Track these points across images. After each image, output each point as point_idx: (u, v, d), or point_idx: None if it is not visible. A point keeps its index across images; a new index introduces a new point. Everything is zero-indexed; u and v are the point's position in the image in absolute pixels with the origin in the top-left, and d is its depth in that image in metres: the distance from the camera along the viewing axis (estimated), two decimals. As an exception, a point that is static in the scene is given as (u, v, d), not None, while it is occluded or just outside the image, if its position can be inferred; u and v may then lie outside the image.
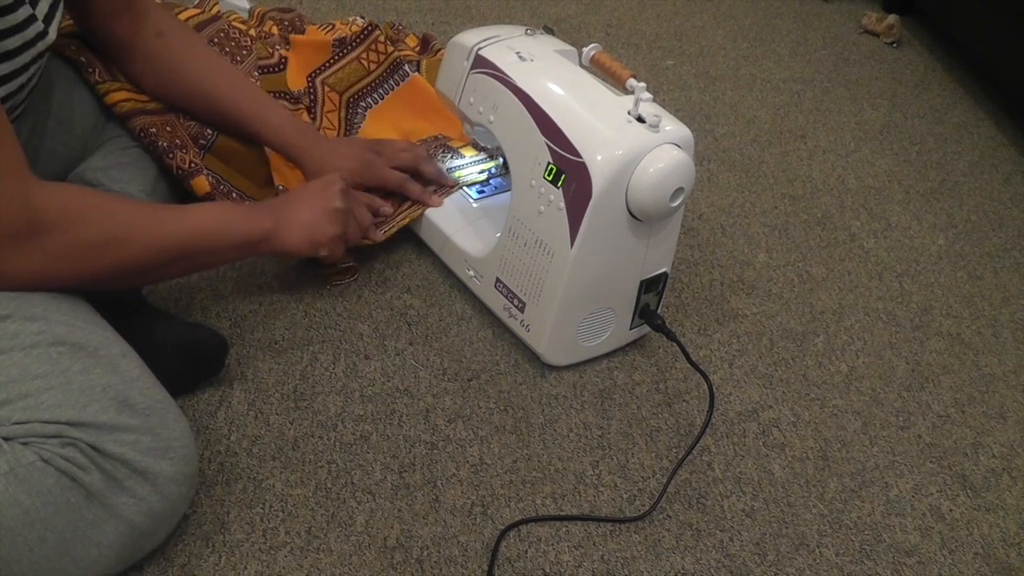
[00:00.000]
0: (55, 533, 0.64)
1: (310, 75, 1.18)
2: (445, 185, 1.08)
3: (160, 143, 0.95)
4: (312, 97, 1.17)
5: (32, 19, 0.71)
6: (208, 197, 0.97)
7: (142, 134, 0.95)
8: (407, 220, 1.05)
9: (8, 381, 0.66)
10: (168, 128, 0.96)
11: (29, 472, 0.63)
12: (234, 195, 1.02)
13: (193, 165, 0.97)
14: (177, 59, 0.96)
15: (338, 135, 1.17)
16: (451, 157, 1.12)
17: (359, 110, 1.19)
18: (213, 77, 0.99)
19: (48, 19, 0.74)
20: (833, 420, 0.96)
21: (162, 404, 0.71)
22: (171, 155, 0.95)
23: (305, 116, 1.14)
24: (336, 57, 1.19)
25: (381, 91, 1.20)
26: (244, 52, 1.15)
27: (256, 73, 1.15)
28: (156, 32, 0.94)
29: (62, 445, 0.65)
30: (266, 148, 1.07)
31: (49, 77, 0.91)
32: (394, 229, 1.04)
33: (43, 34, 0.73)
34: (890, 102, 1.59)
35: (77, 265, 0.73)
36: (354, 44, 1.19)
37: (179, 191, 0.99)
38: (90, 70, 0.94)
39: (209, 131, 1.01)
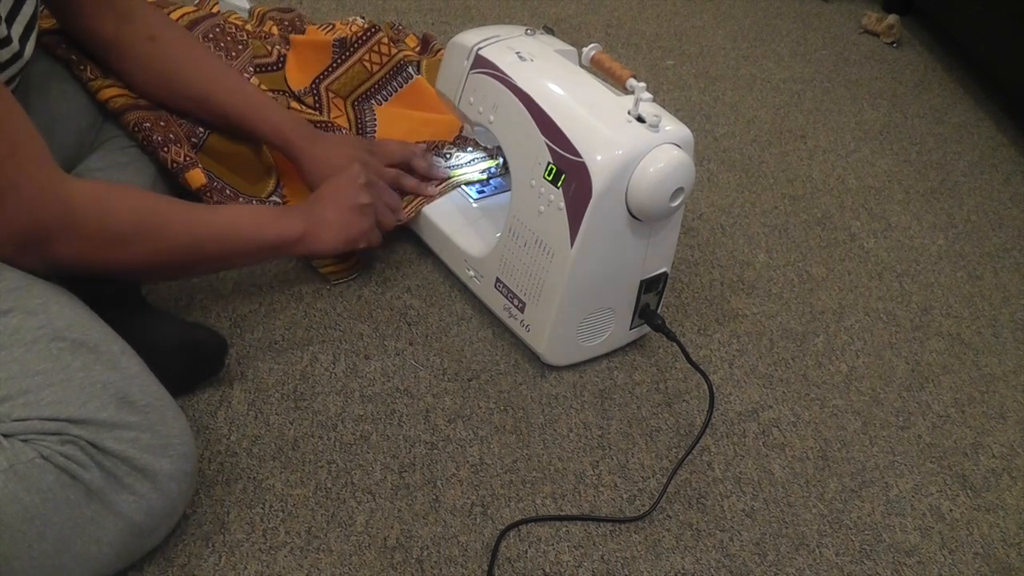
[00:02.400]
0: (54, 530, 0.64)
1: (314, 82, 1.18)
2: (436, 178, 1.08)
3: (154, 137, 0.95)
4: (317, 100, 1.17)
5: (7, 40, 0.71)
6: (203, 190, 0.97)
7: (136, 129, 0.95)
8: (421, 203, 1.06)
9: (8, 377, 0.66)
10: (162, 123, 0.96)
11: (29, 469, 0.63)
12: (227, 191, 1.03)
13: (188, 159, 0.97)
14: (170, 64, 0.96)
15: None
16: (452, 154, 1.12)
17: (366, 109, 1.19)
18: (207, 81, 0.98)
19: (24, 39, 0.74)
20: (833, 420, 0.96)
21: (161, 402, 0.71)
22: (165, 148, 0.95)
23: (309, 112, 1.14)
24: (338, 61, 1.19)
25: (384, 93, 1.20)
26: (240, 47, 1.15)
27: (251, 69, 1.15)
28: (148, 36, 0.94)
29: (62, 442, 0.65)
30: (267, 150, 1.08)
31: (43, 77, 0.91)
32: (415, 208, 1.05)
33: (19, 55, 0.73)
34: (890, 102, 1.59)
35: (114, 253, 0.76)
36: (356, 46, 1.19)
37: (179, 190, 0.99)
38: (81, 67, 0.94)
39: (201, 129, 1.01)
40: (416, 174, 1.08)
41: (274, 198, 1.08)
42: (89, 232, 0.73)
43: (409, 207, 1.05)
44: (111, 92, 0.95)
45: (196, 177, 0.97)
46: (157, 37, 0.94)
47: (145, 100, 0.97)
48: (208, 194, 0.98)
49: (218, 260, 0.87)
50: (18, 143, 0.68)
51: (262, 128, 1.01)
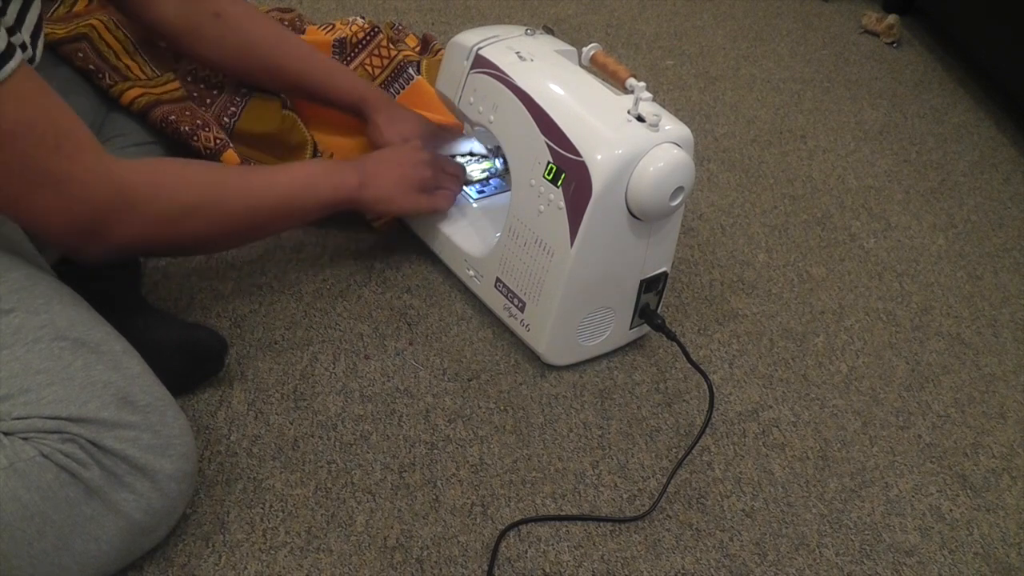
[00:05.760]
0: (54, 528, 0.64)
1: None
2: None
3: (182, 128, 0.96)
4: None
5: (24, 46, 0.71)
6: None
7: (163, 124, 0.96)
8: None
9: (10, 376, 0.66)
10: (187, 113, 0.98)
11: (29, 467, 0.63)
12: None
13: (219, 141, 0.98)
14: (240, 38, 0.97)
15: None
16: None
17: None
18: (279, 51, 1.00)
19: (34, 44, 0.74)
20: (833, 420, 0.96)
21: (162, 401, 0.71)
22: (195, 138, 0.97)
23: None
24: None
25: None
26: None
27: None
28: (213, 13, 0.95)
29: (62, 441, 0.65)
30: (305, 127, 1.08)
31: (45, 77, 0.91)
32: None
33: (32, 60, 0.74)
34: (890, 102, 1.59)
35: (175, 229, 0.77)
36: (357, 49, 1.19)
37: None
38: (100, 76, 0.95)
39: (226, 118, 1.03)
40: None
41: None
42: (147, 212, 0.74)
43: None
44: (134, 93, 0.96)
45: (231, 158, 0.98)
46: (222, 12, 0.95)
47: (170, 94, 0.99)
48: None
49: (277, 222, 0.89)
50: (64, 134, 0.68)
51: (336, 94, 1.03)
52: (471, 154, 1.13)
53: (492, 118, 0.94)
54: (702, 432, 0.89)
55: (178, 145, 1.00)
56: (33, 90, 0.66)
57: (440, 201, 1.00)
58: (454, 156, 1.11)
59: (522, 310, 0.94)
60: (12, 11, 0.68)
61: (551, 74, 0.91)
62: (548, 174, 0.87)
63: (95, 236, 0.72)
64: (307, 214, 0.90)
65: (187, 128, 0.96)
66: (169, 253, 0.82)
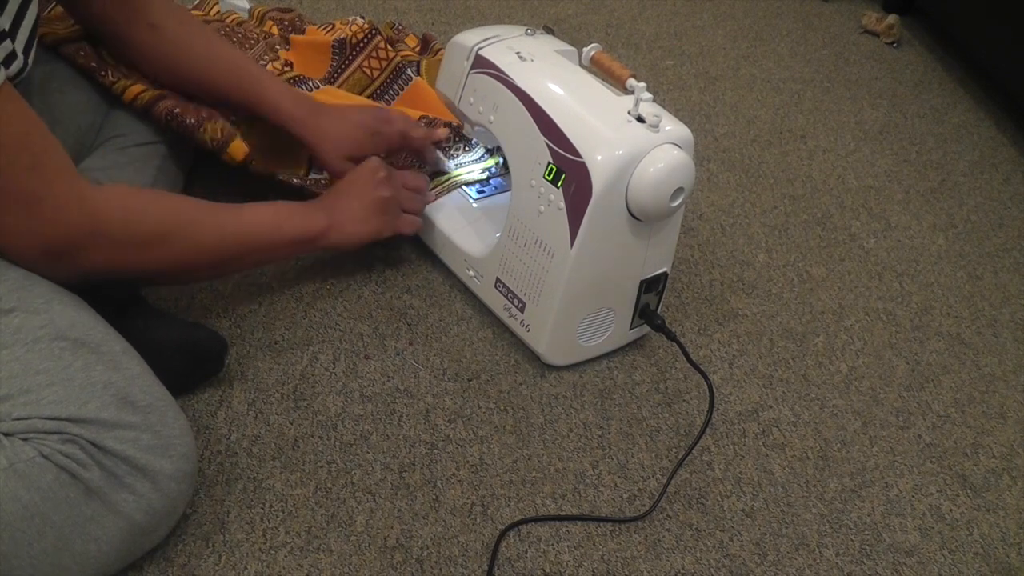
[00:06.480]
0: (54, 528, 0.64)
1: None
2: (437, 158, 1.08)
3: (188, 120, 0.96)
4: None
5: (13, 55, 0.71)
6: (248, 160, 0.98)
7: (168, 117, 0.95)
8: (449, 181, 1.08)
9: (10, 376, 0.66)
10: (191, 106, 0.97)
11: (29, 468, 0.63)
12: (270, 156, 1.01)
13: (226, 131, 0.97)
14: (170, 50, 0.96)
15: None
16: (460, 151, 1.12)
17: None
18: (206, 64, 0.98)
19: (27, 52, 0.74)
20: (833, 420, 0.96)
21: (162, 402, 0.71)
22: (202, 128, 0.96)
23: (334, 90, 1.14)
24: (338, 69, 1.19)
25: (386, 98, 1.20)
26: (252, 41, 1.15)
27: (266, 59, 1.16)
28: (149, 24, 0.94)
29: (62, 441, 0.65)
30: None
31: (43, 79, 0.91)
32: (443, 189, 1.07)
33: (23, 69, 0.74)
34: (890, 102, 1.59)
35: (144, 257, 0.77)
36: (355, 52, 1.19)
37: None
38: (103, 73, 0.95)
39: (232, 120, 1.02)
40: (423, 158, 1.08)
41: (312, 175, 1.08)
42: (117, 239, 0.74)
43: (437, 188, 1.06)
44: (137, 89, 0.96)
45: (239, 148, 0.97)
46: (158, 24, 0.94)
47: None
48: (253, 163, 0.99)
49: (244, 258, 0.88)
50: (39, 156, 0.68)
51: (262, 109, 1.01)
52: (458, 140, 1.12)
53: (492, 118, 0.94)
54: (702, 432, 0.89)
55: (182, 141, 1.00)
56: (12, 110, 0.67)
57: (404, 226, 0.99)
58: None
59: (522, 310, 0.94)
60: (9, 12, 0.68)
61: (551, 74, 0.91)
62: (548, 175, 0.87)
63: (64, 260, 0.72)
64: (276, 251, 0.91)
65: (192, 120, 0.95)
66: (138, 280, 0.83)
